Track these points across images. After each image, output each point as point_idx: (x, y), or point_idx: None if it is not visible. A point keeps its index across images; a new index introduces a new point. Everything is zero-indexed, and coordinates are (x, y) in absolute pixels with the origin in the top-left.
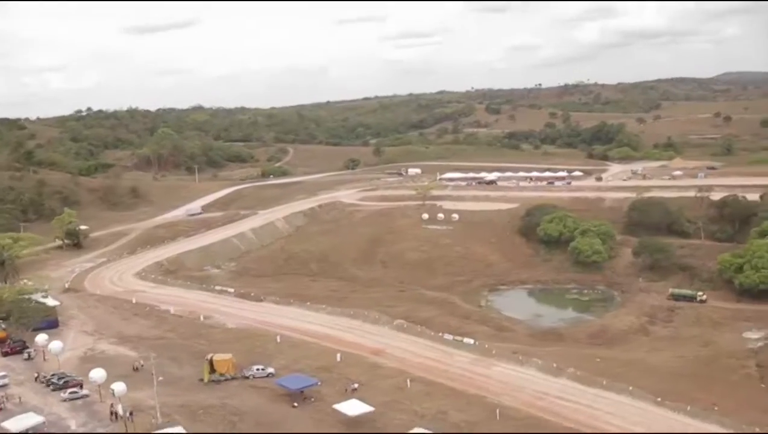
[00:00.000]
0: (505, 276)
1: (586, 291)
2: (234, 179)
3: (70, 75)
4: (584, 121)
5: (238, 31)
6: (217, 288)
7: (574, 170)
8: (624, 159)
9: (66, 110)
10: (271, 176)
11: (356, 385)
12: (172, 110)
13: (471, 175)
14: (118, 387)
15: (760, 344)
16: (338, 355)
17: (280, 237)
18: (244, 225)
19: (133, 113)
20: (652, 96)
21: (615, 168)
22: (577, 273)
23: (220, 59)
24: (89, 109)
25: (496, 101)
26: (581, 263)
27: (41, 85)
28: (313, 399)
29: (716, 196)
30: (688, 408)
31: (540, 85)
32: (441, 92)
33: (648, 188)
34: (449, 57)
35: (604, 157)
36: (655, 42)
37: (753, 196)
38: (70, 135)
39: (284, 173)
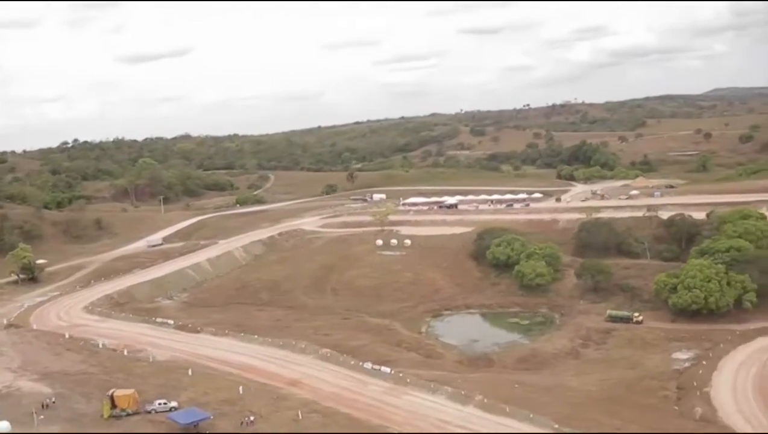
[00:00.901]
0: (451, 301)
1: (527, 314)
2: (207, 208)
3: (64, 105)
4: (567, 141)
5: (231, 58)
6: (159, 320)
7: (534, 192)
8: (589, 179)
9: (57, 141)
10: (238, 205)
11: (252, 418)
12: (159, 139)
13: (434, 199)
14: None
15: (686, 365)
16: (240, 388)
17: (237, 267)
18: (202, 256)
19: (119, 143)
20: (638, 114)
21: (578, 188)
22: (522, 297)
23: (213, 86)
24: (76, 140)
25: (484, 122)
26: (526, 286)
27: (36, 116)
28: None
29: (666, 215)
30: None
31: (528, 105)
32: (433, 114)
33: (599, 209)
34: (443, 79)
35: (571, 178)
36: (645, 60)
37: (700, 215)
38: (51, 167)
39: (258, 201)
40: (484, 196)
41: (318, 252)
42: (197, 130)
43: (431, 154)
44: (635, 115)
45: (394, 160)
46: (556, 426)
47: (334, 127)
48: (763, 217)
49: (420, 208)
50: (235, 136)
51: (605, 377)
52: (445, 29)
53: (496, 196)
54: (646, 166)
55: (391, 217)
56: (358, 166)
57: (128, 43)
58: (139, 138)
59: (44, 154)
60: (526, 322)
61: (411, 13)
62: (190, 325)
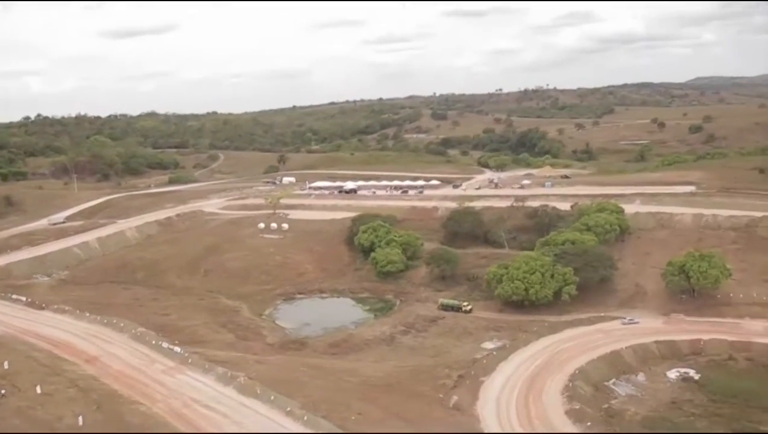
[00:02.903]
0: (310, 285)
1: (373, 300)
2: (139, 187)
3: (47, 79)
4: (526, 127)
5: (217, 36)
6: (14, 296)
7: (431, 179)
8: (500, 166)
9: (39, 113)
10: (170, 184)
11: (3, 391)
12: (123, 116)
13: (337, 183)
14: None
15: (484, 353)
16: (6, 362)
17: (125, 246)
18: (93, 235)
19: (80, 120)
20: (608, 101)
21: (484, 176)
22: (375, 283)
23: (199, 63)
24: (38, 115)
25: (455, 106)
26: (381, 273)
27: (19, 90)
28: None
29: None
30: (306, 417)
31: (501, 90)
32: (410, 96)
33: (472, 198)
34: (429, 62)
35: (486, 165)
36: (632, 47)
37: (565, 206)
38: None
39: (190, 180)
40: (385, 182)
41: (208, 233)
42: (180, 108)
43: (388, 137)
44: (605, 102)
45: (351, 142)
46: (289, 409)
47: (311, 106)
48: (619, 210)
49: (322, 192)
50: (214, 113)
51: (402, 364)
52: (432, 11)
53: (396, 182)
54: (586, 155)
55: (287, 201)
56: (316, 147)
57: (112, 18)
58: (125, 113)
59: (3, 129)
60: (367, 308)
61: None
62: (37, 302)
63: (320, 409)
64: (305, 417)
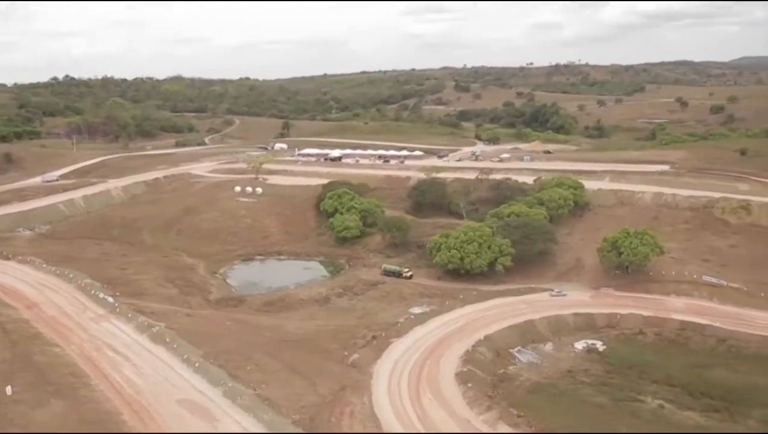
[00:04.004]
0: (271, 247)
1: (326, 264)
2: (146, 148)
3: (88, 41)
4: (546, 102)
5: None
6: None
7: (414, 149)
8: (491, 140)
9: (67, 74)
10: (177, 146)
11: None
12: (149, 80)
13: (325, 151)
14: None
15: (406, 318)
16: None
17: (109, 205)
18: (81, 193)
19: (106, 82)
20: (639, 79)
21: (471, 149)
22: (333, 248)
23: (236, 29)
24: (67, 76)
25: (485, 78)
26: (340, 238)
27: (61, 52)
28: None
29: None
30: (198, 364)
31: (532, 63)
32: (444, 68)
33: (440, 168)
34: (469, 33)
35: (479, 138)
36: (677, 24)
37: (529, 180)
38: (19, 101)
39: (196, 144)
40: (370, 151)
41: (190, 195)
42: (214, 73)
43: (407, 107)
44: (637, 79)
45: (370, 112)
46: (186, 356)
47: (342, 75)
48: (577, 186)
49: (309, 159)
50: (246, 79)
51: (326, 323)
52: None
53: (381, 152)
54: (597, 132)
55: (271, 166)
56: (336, 115)
57: None
58: (159, 77)
59: (28, 89)
60: (317, 271)
61: None
62: (4, 253)
63: (219, 359)
64: (197, 364)
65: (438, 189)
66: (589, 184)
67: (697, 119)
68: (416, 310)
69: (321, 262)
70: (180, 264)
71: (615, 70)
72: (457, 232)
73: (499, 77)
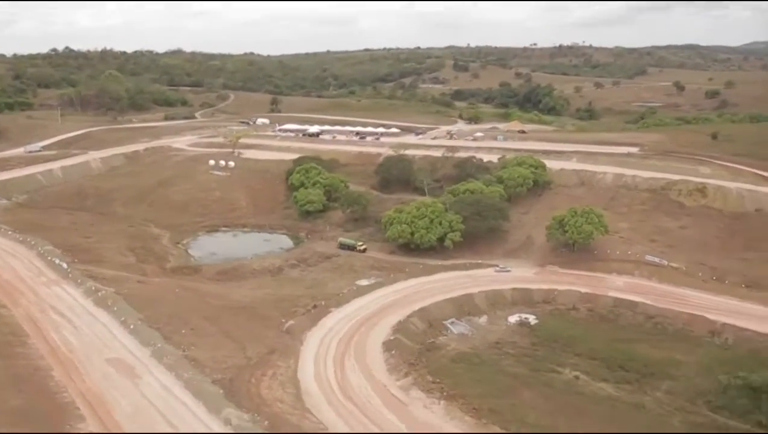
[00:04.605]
0: (237, 220)
1: (287, 236)
2: (134, 121)
3: (94, 12)
4: (546, 82)
5: None
6: None
7: (398, 127)
8: (473, 119)
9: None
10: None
11: None
12: (149, 53)
13: (305, 127)
14: None
15: (350, 289)
16: None
17: (87, 176)
18: (60, 163)
19: (105, 54)
20: (643, 62)
21: (447, 127)
22: (296, 221)
23: (246, 4)
24: (66, 48)
25: (487, 58)
26: (304, 212)
27: (66, 23)
28: None
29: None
30: (133, 326)
31: (535, 44)
32: (449, 47)
33: (408, 146)
34: (480, 14)
35: (461, 117)
36: (690, 9)
37: (494, 158)
38: (15, 72)
39: (184, 117)
40: (348, 128)
41: (167, 168)
42: (221, 48)
43: (404, 86)
44: (640, 62)
45: (367, 89)
46: (124, 319)
47: (345, 52)
48: (539, 165)
49: (288, 134)
50: (251, 54)
51: (273, 292)
52: None
53: (359, 128)
54: (587, 114)
55: (249, 141)
56: (335, 92)
57: None
58: (160, 50)
59: (26, 60)
60: (277, 243)
61: None
62: None
63: (157, 323)
64: (132, 326)
65: (404, 166)
66: (555, 164)
67: (692, 103)
68: (363, 282)
69: (283, 235)
70: (145, 234)
71: (618, 53)
72: (410, 208)
73: (502, 57)
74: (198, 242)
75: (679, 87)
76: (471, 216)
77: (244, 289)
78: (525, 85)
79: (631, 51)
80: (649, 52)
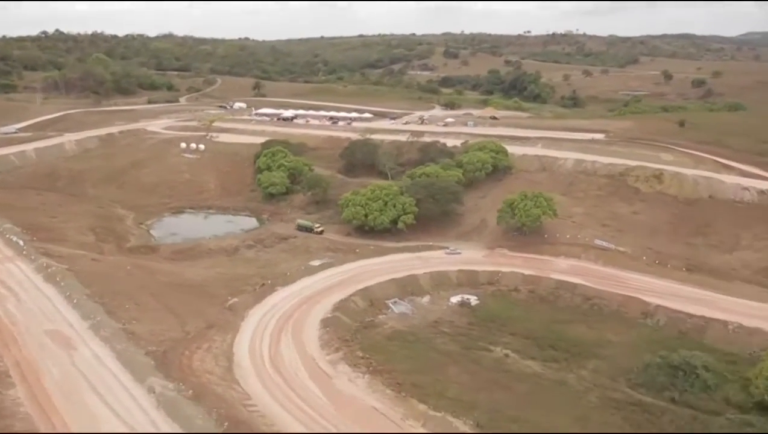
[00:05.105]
0: (203, 202)
1: (250, 218)
2: (119, 104)
3: None
4: (535, 70)
5: None
6: None
7: (365, 111)
8: (448, 104)
9: (57, 28)
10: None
11: None
12: (140, 37)
13: (281, 111)
14: None
15: (300, 268)
16: None
17: (61, 157)
18: (34, 145)
19: (96, 37)
20: (635, 51)
21: (421, 113)
22: (260, 203)
23: None
24: (57, 30)
25: (481, 46)
26: (268, 194)
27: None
28: None
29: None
30: (76, 300)
31: (529, 32)
32: (445, 33)
33: (375, 130)
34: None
35: (438, 103)
36: None
37: (457, 143)
38: (1, 54)
39: (167, 101)
40: (323, 112)
41: (141, 150)
42: (216, 32)
43: (392, 72)
44: (633, 51)
45: (355, 75)
46: (69, 294)
47: (339, 38)
48: (500, 150)
49: (263, 118)
50: (246, 39)
51: (226, 271)
52: None
53: (333, 113)
54: (571, 102)
55: (223, 125)
56: (324, 78)
57: None
58: (151, 34)
59: (15, 42)
60: (238, 224)
61: None
62: None
63: (102, 298)
64: (75, 301)
65: (368, 150)
66: (519, 150)
67: (678, 92)
68: (315, 263)
69: (247, 217)
70: (110, 215)
71: (612, 42)
72: (365, 190)
73: (496, 45)
74: (162, 223)
75: (667, 76)
76: (425, 199)
77: (197, 268)
78: (513, 73)
79: (625, 40)
80: (643, 41)
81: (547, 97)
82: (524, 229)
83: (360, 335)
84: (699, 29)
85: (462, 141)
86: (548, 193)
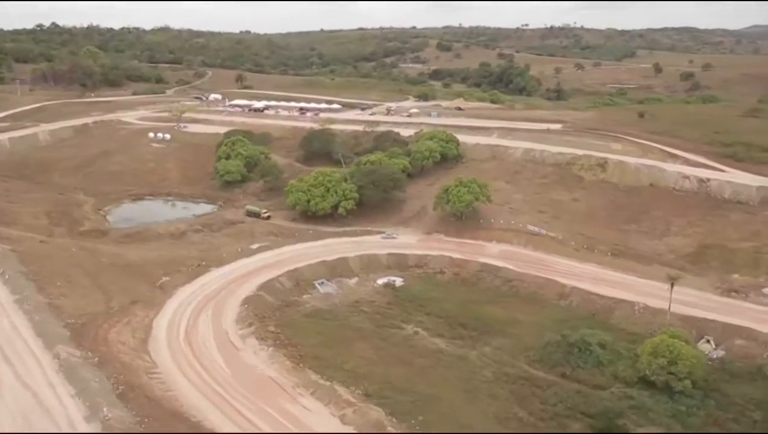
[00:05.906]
0: (164, 189)
1: (205, 205)
2: (103, 95)
3: None
4: (528, 63)
5: None
6: None
7: (333, 102)
8: (421, 96)
9: (54, 21)
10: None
11: None
12: (136, 30)
13: (252, 102)
14: None
15: (238, 251)
16: None
17: (34, 147)
18: (9, 135)
19: (91, 30)
20: (633, 44)
21: (390, 104)
22: (217, 191)
23: None
24: (52, 23)
25: (479, 39)
26: (225, 182)
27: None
28: None
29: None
30: (8, 275)
31: (527, 24)
32: (445, 27)
33: (335, 120)
34: None
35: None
36: None
37: (411, 132)
38: None
39: (152, 93)
40: (293, 103)
41: (113, 140)
42: (215, 26)
43: (385, 65)
44: (631, 44)
45: (347, 68)
46: (2, 271)
47: (339, 31)
48: (450, 139)
49: (236, 109)
50: (247, 33)
51: (168, 253)
52: None
53: (303, 104)
54: (555, 95)
55: (194, 115)
56: (317, 71)
57: None
58: (146, 27)
59: (8, 35)
60: (192, 211)
61: None
62: None
63: (37, 276)
64: (7, 277)
65: (325, 139)
66: (472, 139)
67: (666, 85)
68: (254, 246)
69: (203, 204)
70: (70, 201)
71: (609, 35)
72: (309, 177)
73: (494, 38)
74: (119, 209)
75: (657, 69)
76: (366, 185)
77: (140, 251)
78: (502, 65)
79: (623, 33)
80: (642, 35)
81: (532, 89)
82: (462, 215)
83: (279, 313)
84: (702, 22)
85: (416, 130)
86: (492, 181)
